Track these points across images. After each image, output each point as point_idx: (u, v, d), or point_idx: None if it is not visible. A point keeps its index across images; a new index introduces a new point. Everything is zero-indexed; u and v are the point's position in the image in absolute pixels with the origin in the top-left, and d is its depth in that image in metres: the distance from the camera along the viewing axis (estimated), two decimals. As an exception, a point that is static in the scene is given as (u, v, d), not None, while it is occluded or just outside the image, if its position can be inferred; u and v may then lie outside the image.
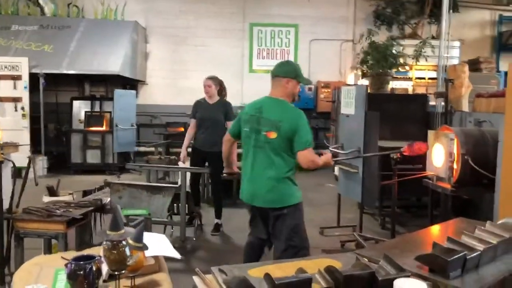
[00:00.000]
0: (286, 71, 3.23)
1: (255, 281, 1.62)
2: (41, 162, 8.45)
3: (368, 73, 6.96)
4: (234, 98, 11.19)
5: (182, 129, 9.63)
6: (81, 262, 1.44)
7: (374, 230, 5.57)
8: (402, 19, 10.38)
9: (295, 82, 3.21)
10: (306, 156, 3.00)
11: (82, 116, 9.17)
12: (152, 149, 9.78)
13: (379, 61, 6.34)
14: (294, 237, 3.04)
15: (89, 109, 9.23)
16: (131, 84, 10.56)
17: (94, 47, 8.99)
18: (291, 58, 11.22)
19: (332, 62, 11.25)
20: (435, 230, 2.72)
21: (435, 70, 10.25)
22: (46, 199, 4.07)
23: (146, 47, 11.00)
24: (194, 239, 4.91)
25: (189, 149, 5.50)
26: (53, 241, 3.87)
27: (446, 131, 4.18)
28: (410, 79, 10.17)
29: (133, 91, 9.90)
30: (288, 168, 3.06)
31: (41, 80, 8.31)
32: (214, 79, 5.33)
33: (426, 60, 7.46)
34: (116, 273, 1.39)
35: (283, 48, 11.23)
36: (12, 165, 3.42)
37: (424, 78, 10.17)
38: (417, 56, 7.12)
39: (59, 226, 3.29)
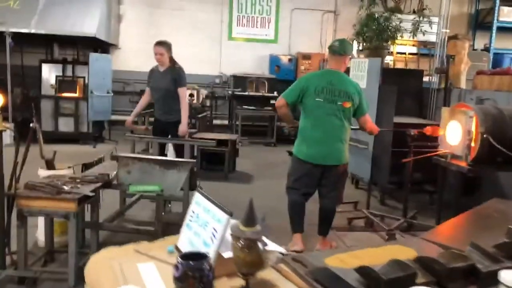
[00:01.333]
0: (349, 50, 3.86)
1: (338, 272, 1.42)
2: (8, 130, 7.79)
3: (364, 45, 6.81)
4: (211, 66, 10.87)
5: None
6: (192, 263, 1.20)
7: (373, 206, 5.54)
8: (385, -8, 10.23)
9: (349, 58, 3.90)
10: (368, 119, 3.86)
11: (53, 81, 8.50)
12: (127, 117, 9.29)
13: (380, 34, 6.20)
14: (340, 185, 3.90)
15: (60, 74, 8.56)
16: (103, 48, 9.88)
17: (66, 5, 8.26)
18: (272, 27, 10.92)
19: (313, 33, 11.02)
20: (484, 212, 2.64)
21: (414, 45, 10.30)
22: (43, 172, 3.69)
23: (119, 8, 10.30)
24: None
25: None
26: (55, 220, 3.56)
27: (463, 108, 4.12)
28: (391, 53, 10.15)
29: (109, 56, 9.28)
30: (349, 131, 3.78)
31: (8, 40, 7.55)
32: (165, 44, 4.83)
33: (424, 35, 7.37)
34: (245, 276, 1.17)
35: (264, 16, 10.86)
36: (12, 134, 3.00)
37: (404, 53, 10.17)
38: (414, 30, 7.04)
39: (70, 205, 2.97)
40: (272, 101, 10.02)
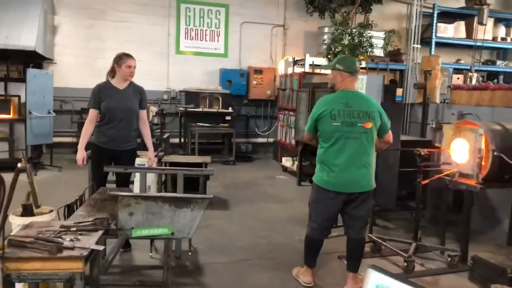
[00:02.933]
0: (356, 67, 3.61)
1: None
2: None
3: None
4: (159, 81, 10.20)
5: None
6: None
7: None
8: (333, 7, 10.35)
9: None
10: (391, 135, 3.57)
11: (-20, 100, 7.38)
12: (70, 139, 8.43)
13: (353, 49, 6.10)
14: (369, 214, 3.65)
15: (-11, 92, 7.46)
16: (35, 63, 8.82)
17: (-2, 14, 7.23)
18: (222, 41, 10.56)
19: (263, 47, 10.83)
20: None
21: (372, 61, 10.47)
22: (18, 220, 2.97)
23: (54, 19, 9.32)
24: (190, 254, 4.15)
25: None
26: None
27: (470, 125, 4.05)
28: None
29: (49, 71, 8.30)
30: (374, 153, 3.46)
31: None
32: (134, 58, 4.17)
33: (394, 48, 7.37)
34: None
35: (213, 29, 10.46)
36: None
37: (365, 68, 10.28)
38: (385, 45, 7.07)
39: (76, 264, 2.35)
40: (227, 117, 9.66)
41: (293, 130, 7.60)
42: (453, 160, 4.14)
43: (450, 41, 11.42)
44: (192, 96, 9.51)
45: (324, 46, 10.37)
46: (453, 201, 4.93)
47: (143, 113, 4.29)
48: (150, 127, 5.97)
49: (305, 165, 7.46)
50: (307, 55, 9.87)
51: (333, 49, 6.58)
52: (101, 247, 2.49)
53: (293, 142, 7.64)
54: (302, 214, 5.72)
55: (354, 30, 6.47)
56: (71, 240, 2.50)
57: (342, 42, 6.42)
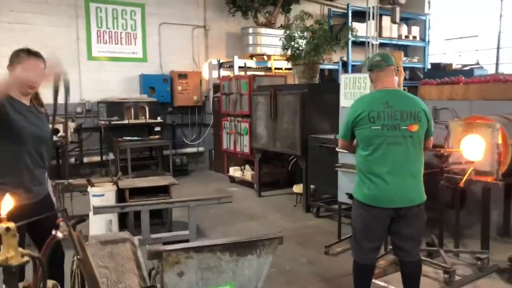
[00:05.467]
0: (391, 59, 3.14)
1: None
2: None
3: (296, 60, 6.26)
4: (70, 92, 8.76)
5: None
6: None
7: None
8: (255, 7, 9.98)
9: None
10: (432, 140, 3.14)
11: None
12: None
13: (317, 47, 5.75)
14: (422, 231, 3.07)
15: None
16: None
17: None
18: (139, 44, 9.54)
19: (185, 50, 10.04)
20: None
21: (287, 60, 10.29)
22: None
23: None
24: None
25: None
26: None
27: (483, 121, 3.94)
28: (270, 69, 9.94)
29: None
30: (423, 160, 3.01)
31: None
32: (43, 58, 2.65)
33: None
34: None
35: (128, 31, 9.36)
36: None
37: (281, 69, 10.06)
38: (343, 43, 6.85)
39: None
40: (157, 128, 8.72)
41: (244, 137, 7.02)
42: (464, 158, 4.00)
43: (363, 39, 11.83)
44: (115, 107, 8.37)
45: (250, 48, 10.01)
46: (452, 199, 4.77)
47: None
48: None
49: (260, 174, 6.94)
50: (236, 57, 9.38)
51: (291, 49, 6.16)
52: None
53: (245, 150, 7.06)
54: (286, 230, 5.23)
55: (314, 26, 6.14)
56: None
57: (301, 41, 6.05)
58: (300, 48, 6.11)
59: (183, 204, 3.24)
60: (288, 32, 6.37)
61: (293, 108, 5.81)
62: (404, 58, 12.72)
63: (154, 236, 3.04)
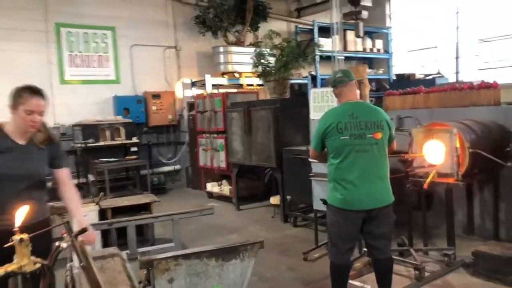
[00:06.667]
0: (351, 75, 3.43)
1: None
2: None
3: (267, 77, 6.53)
4: (43, 117, 8.76)
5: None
6: None
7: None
8: (225, 26, 10.27)
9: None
10: (395, 143, 3.45)
11: None
12: None
13: (287, 64, 6.03)
14: (391, 231, 3.33)
15: None
16: None
17: None
18: (111, 66, 9.66)
19: (157, 71, 10.20)
20: None
21: (258, 77, 10.57)
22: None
23: None
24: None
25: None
26: None
27: (441, 127, 4.26)
28: (241, 86, 10.19)
29: None
30: (388, 164, 3.26)
31: None
32: (45, 96, 2.70)
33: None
34: None
35: (100, 54, 9.47)
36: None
37: (253, 85, 10.32)
38: (310, 59, 7.16)
39: None
40: (133, 149, 8.81)
41: (220, 153, 7.21)
42: (427, 162, 4.30)
43: (329, 54, 12.26)
44: (90, 129, 8.43)
45: (222, 66, 10.26)
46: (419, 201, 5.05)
47: (63, 173, 2.86)
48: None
49: (238, 188, 7.12)
50: (207, 76, 9.60)
51: (261, 66, 6.43)
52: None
53: (222, 165, 7.24)
54: (266, 240, 5.38)
55: (283, 44, 6.44)
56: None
57: (271, 59, 6.33)
58: (270, 65, 6.40)
59: (167, 218, 3.40)
60: (258, 50, 6.64)
61: (266, 122, 6.06)
62: (370, 70, 13.24)
63: (141, 250, 3.18)
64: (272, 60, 6.49)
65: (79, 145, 8.32)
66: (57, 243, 1.64)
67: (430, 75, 11.68)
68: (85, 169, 8.50)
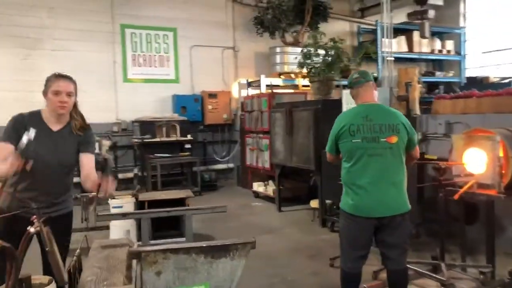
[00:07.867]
0: (369, 75, 3.31)
1: None
2: None
3: (312, 77, 6.45)
4: (107, 113, 9.37)
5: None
6: None
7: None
8: (283, 27, 10.25)
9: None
10: (418, 150, 3.26)
11: None
12: None
13: (332, 64, 5.91)
14: (408, 240, 3.15)
15: None
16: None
17: None
18: (172, 66, 10.04)
19: (215, 71, 10.44)
20: None
21: (303, 77, 10.35)
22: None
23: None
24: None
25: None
26: None
27: (484, 133, 3.92)
28: (297, 87, 10.12)
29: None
30: (405, 170, 3.09)
31: None
32: (73, 81, 2.84)
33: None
34: None
35: (162, 54, 9.90)
36: None
37: (308, 86, 10.19)
38: (360, 61, 6.99)
39: None
40: (186, 145, 9.09)
41: (265, 153, 7.21)
42: (467, 171, 3.98)
43: (395, 55, 11.77)
44: (147, 126, 8.84)
45: (278, 67, 10.27)
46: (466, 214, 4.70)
47: (88, 158, 2.84)
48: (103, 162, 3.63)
49: (281, 189, 7.08)
50: (262, 76, 9.65)
51: (306, 66, 6.36)
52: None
53: (266, 165, 7.25)
54: (299, 243, 5.37)
55: (329, 44, 6.30)
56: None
57: (316, 59, 6.23)
58: (316, 65, 6.28)
59: (179, 213, 3.47)
60: (304, 50, 6.56)
61: (307, 123, 5.96)
62: (439, 73, 12.52)
63: (152, 242, 3.28)
64: (318, 60, 6.36)
65: (136, 140, 8.77)
66: (28, 228, 1.76)
67: (506, 78, 10.77)
68: (141, 163, 8.94)
